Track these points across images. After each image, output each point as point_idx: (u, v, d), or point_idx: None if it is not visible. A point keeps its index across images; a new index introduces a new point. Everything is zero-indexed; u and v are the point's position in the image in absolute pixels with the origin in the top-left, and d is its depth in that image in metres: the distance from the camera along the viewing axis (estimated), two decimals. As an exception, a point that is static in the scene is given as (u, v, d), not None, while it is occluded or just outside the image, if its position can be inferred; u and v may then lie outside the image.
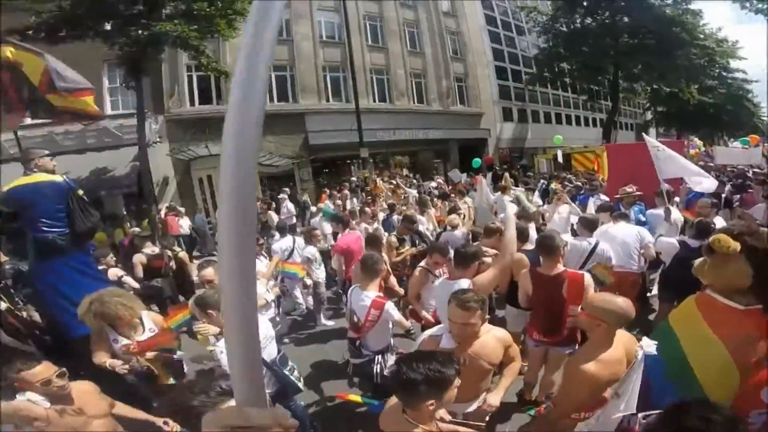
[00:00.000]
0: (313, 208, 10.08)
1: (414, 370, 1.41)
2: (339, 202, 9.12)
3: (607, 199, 6.20)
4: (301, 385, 2.73)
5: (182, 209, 9.89)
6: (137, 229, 6.94)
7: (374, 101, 17.17)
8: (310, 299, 5.40)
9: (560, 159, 13.20)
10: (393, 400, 1.65)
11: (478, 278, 2.71)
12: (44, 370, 2.00)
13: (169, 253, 5.62)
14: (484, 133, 20.89)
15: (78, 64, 11.59)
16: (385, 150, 17.00)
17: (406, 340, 3.75)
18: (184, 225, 9.24)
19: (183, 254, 6.06)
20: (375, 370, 2.76)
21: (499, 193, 7.18)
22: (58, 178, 3.36)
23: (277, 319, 4.17)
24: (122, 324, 2.73)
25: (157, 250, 5.51)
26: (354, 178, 14.07)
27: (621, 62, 20.81)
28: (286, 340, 4.77)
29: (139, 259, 5.13)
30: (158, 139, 11.94)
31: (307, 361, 4.19)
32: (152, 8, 9.11)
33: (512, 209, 4.00)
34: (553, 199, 6.28)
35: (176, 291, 5.57)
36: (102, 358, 2.63)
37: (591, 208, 5.74)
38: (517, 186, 8.30)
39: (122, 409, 2.40)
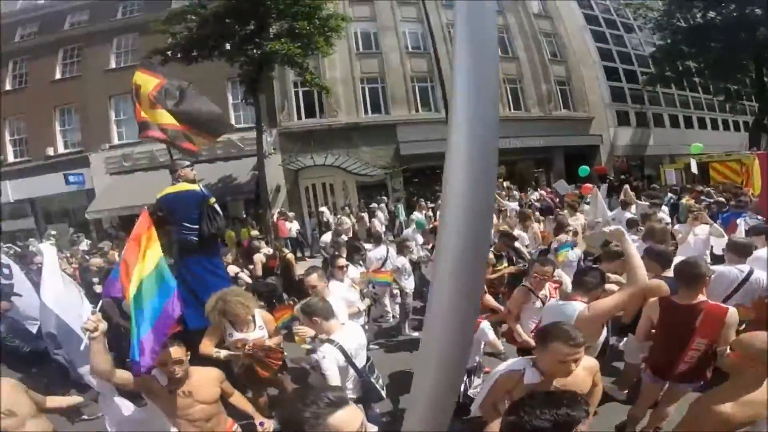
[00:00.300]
0: (405, 218, 10.25)
1: (539, 417, 1.26)
2: (429, 213, 9.10)
3: (761, 218, 5.19)
4: (384, 393, 2.74)
5: (292, 214, 10.99)
6: (256, 233, 7.85)
7: None
8: (397, 308, 5.44)
9: (694, 169, 11.09)
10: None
11: (598, 303, 2.39)
12: (176, 352, 2.30)
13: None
14: (594, 139, 18.82)
15: (207, 82, 13.79)
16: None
17: (494, 360, 3.53)
18: (293, 229, 10.26)
19: (290, 256, 6.66)
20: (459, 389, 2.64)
21: (619, 208, 6.37)
22: (196, 187, 3.94)
23: (366, 326, 4.24)
24: (239, 321, 3.05)
25: (270, 251, 6.18)
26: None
27: (763, 56, 17.13)
28: (372, 346, 4.84)
29: (259, 258, 5.77)
30: (272, 151, 13.45)
31: (388, 369, 4.14)
32: (261, 28, 9.99)
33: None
34: (687, 217, 5.35)
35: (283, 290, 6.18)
36: (209, 349, 2.97)
37: (741, 230, 4.75)
38: (639, 200, 7.23)
39: (237, 399, 2.64)
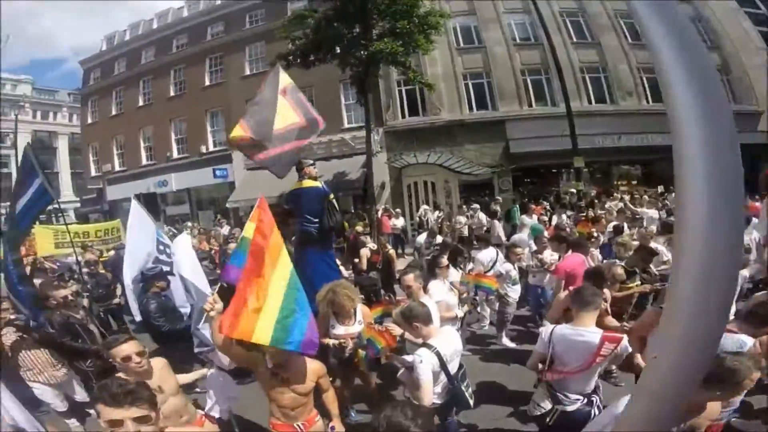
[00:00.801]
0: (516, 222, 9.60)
1: None
2: (544, 217, 8.33)
3: None
4: (471, 402, 2.65)
5: (398, 210, 11.28)
6: (360, 228, 8.27)
7: (589, 103, 14.99)
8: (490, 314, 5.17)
9: None
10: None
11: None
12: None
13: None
14: (762, 137, 15.04)
15: (323, 85, 14.81)
16: (606, 158, 14.60)
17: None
18: (398, 224, 10.54)
19: (392, 252, 6.81)
20: (592, 413, 2.40)
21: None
22: (318, 184, 4.32)
23: (459, 332, 4.13)
24: (342, 313, 3.21)
25: (374, 246, 6.43)
26: (564, 190, 12.66)
27: None
28: (463, 352, 4.65)
29: (365, 253, 6.05)
30: (379, 149, 14.00)
31: (475, 378, 3.91)
32: (366, 29, 10.26)
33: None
34: None
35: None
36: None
37: None
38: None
39: (329, 397, 2.68)
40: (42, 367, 3.57)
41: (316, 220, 4.07)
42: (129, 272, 4.47)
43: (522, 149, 14.01)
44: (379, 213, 10.73)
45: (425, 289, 3.67)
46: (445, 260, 4.08)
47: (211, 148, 18.48)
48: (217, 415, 2.84)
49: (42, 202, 4.03)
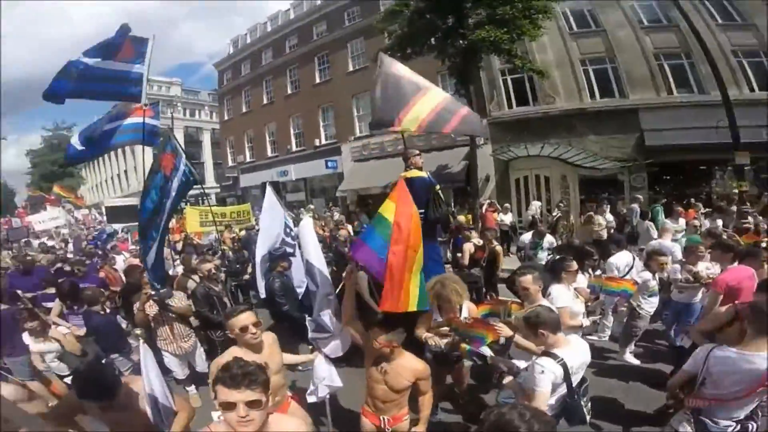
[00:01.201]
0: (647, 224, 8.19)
1: None
2: (696, 221, 6.87)
3: None
4: (588, 417, 2.38)
5: (507, 205, 10.64)
6: (462, 219, 7.97)
7: (750, 90, 12.02)
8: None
9: None
10: None
11: None
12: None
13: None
14: None
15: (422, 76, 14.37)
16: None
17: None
18: (506, 220, 9.96)
19: (499, 248, 6.39)
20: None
21: None
22: (424, 174, 4.24)
23: None
24: (448, 307, 3.07)
25: (480, 241, 6.12)
26: (721, 191, 10.35)
27: None
28: None
29: (468, 248, 5.81)
30: (484, 141, 13.35)
31: (591, 392, 3.50)
32: (461, 19, 9.80)
33: None
34: None
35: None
36: (421, 332, 3.06)
37: None
38: None
39: (425, 401, 2.58)
40: (173, 338, 4.11)
41: (422, 211, 3.98)
42: (260, 251, 5.05)
43: (660, 141, 11.83)
44: (484, 207, 10.23)
45: (544, 293, 3.36)
46: (574, 264, 3.71)
47: (323, 141, 19.86)
48: (313, 399, 2.97)
49: (189, 185, 4.75)
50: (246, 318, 2.36)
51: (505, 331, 2.74)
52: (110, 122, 5.84)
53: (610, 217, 8.99)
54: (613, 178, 12.79)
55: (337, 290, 3.22)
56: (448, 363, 3.27)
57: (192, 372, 4.34)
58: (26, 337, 3.69)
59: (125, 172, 37.99)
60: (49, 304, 4.92)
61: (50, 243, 11.93)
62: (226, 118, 26.35)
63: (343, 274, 2.67)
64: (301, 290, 4.71)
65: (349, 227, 8.92)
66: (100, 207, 25.36)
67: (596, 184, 12.85)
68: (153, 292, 3.92)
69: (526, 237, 6.75)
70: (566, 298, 3.45)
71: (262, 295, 5.11)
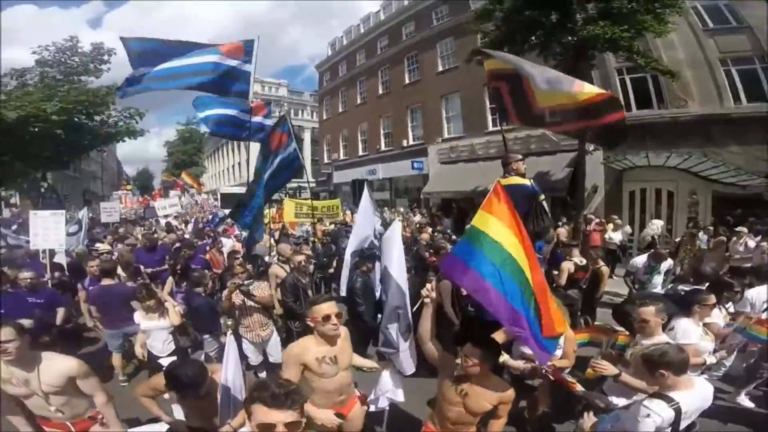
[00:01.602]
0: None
1: None
2: None
3: None
4: None
5: (619, 221, 9.37)
6: (563, 231, 7.14)
7: None
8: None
9: None
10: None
11: None
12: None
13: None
14: None
15: None
16: None
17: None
18: (615, 238, 8.76)
19: (605, 269, 5.63)
20: None
21: None
22: (527, 182, 3.79)
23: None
24: None
25: (583, 261, 5.39)
26: None
27: None
28: None
29: (567, 266, 5.17)
30: (594, 147, 11.90)
31: None
32: (567, 14, 8.94)
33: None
34: None
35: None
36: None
37: None
38: None
39: (497, 426, 2.30)
40: (253, 326, 4.26)
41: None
42: (350, 248, 5.11)
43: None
44: (591, 225, 8.99)
45: (665, 327, 2.99)
46: (712, 298, 3.25)
47: (411, 142, 19.87)
48: (373, 408, 2.93)
49: (293, 167, 5.00)
50: (329, 307, 2.34)
51: (610, 370, 2.49)
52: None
53: (750, 242, 7.25)
54: (757, 198, 10.31)
55: (415, 307, 2.98)
56: (526, 388, 3.07)
57: (265, 360, 4.52)
58: (137, 315, 3.91)
59: (239, 163, 42.91)
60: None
61: (174, 223, 13.86)
62: (324, 117, 28.03)
63: (423, 291, 2.39)
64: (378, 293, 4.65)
65: (430, 230, 8.65)
66: (217, 193, 28.91)
67: (738, 204, 10.49)
68: (241, 282, 4.10)
69: (640, 260, 5.79)
70: (694, 335, 3.07)
71: (342, 292, 5.18)
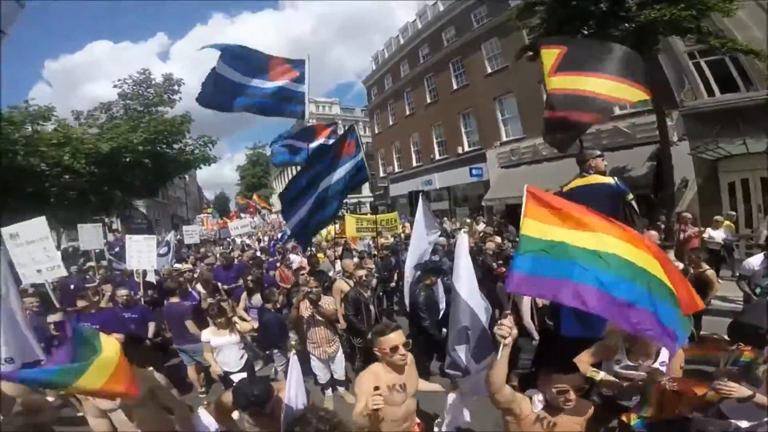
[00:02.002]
0: None
1: None
2: None
3: None
4: None
5: (718, 218, 8.17)
6: (654, 233, 6.34)
7: None
8: None
9: None
10: None
11: None
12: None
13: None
14: None
15: None
16: None
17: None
18: (717, 237, 7.63)
19: (710, 273, 4.89)
20: None
21: None
22: (610, 180, 3.37)
23: None
24: (642, 350, 2.48)
25: (680, 265, 4.70)
26: None
27: None
28: None
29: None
30: (679, 137, 10.62)
31: None
32: (617, 1, 8.33)
33: None
34: None
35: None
36: (585, 366, 2.47)
37: None
38: None
39: None
40: (320, 342, 4.23)
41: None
42: (409, 261, 4.99)
43: None
44: (690, 231, 7.70)
45: None
46: None
47: (467, 149, 19.35)
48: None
49: (359, 176, 5.02)
50: (397, 337, 2.25)
51: (740, 391, 2.07)
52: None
53: None
54: None
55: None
56: (619, 409, 2.64)
57: (330, 377, 4.50)
58: (206, 332, 3.98)
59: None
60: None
61: (248, 242, 14.84)
62: (376, 131, 28.45)
63: (502, 330, 1.90)
64: (443, 308, 4.53)
65: (498, 239, 8.18)
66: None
67: None
68: (310, 289, 4.09)
69: (755, 260, 4.95)
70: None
71: (408, 307, 5.03)
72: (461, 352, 2.76)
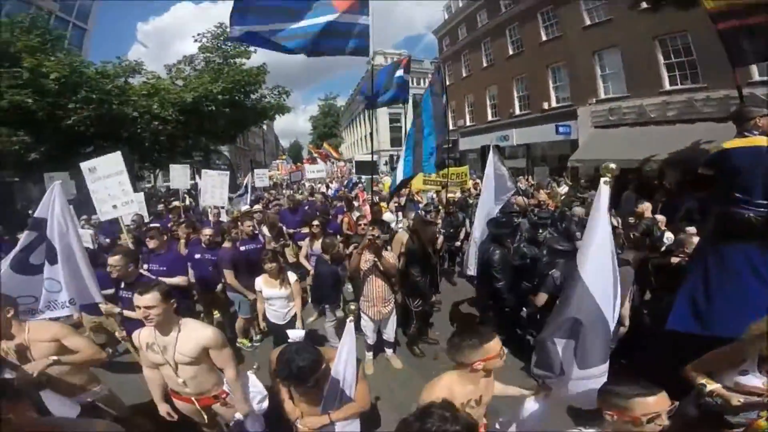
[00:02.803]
0: None
1: None
2: None
3: None
4: None
5: None
6: None
7: None
8: None
9: None
10: None
11: None
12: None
13: None
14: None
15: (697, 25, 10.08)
16: None
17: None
18: None
19: None
20: None
21: None
22: (781, 143, 2.51)
23: None
24: None
25: None
26: None
27: None
28: None
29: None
30: None
31: None
32: None
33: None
34: None
35: None
36: (691, 374, 2.01)
37: None
38: None
39: None
40: (376, 300, 3.86)
41: (765, 202, 2.39)
42: (478, 219, 4.52)
43: None
44: None
45: None
46: None
47: (554, 104, 17.51)
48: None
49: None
50: (498, 341, 1.88)
51: None
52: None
53: None
54: None
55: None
56: (726, 425, 2.07)
57: (378, 337, 4.20)
58: (258, 281, 3.83)
59: (370, 134, 45.09)
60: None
61: (317, 186, 15.31)
62: (447, 83, 26.62)
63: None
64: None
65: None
66: (352, 161, 31.00)
67: None
68: (376, 235, 3.65)
69: None
70: None
71: (470, 271, 4.63)
72: (560, 347, 2.14)
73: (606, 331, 2.14)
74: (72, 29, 21.76)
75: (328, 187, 16.44)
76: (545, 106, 17.64)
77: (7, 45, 12.30)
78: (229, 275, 4.43)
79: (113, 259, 3.19)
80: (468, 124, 24.15)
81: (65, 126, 13.16)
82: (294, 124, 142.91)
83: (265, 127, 45.73)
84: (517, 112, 19.69)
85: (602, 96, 15.08)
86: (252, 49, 18.47)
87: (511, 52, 19.79)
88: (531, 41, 18.25)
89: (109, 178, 4.16)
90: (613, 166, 2.16)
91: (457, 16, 24.24)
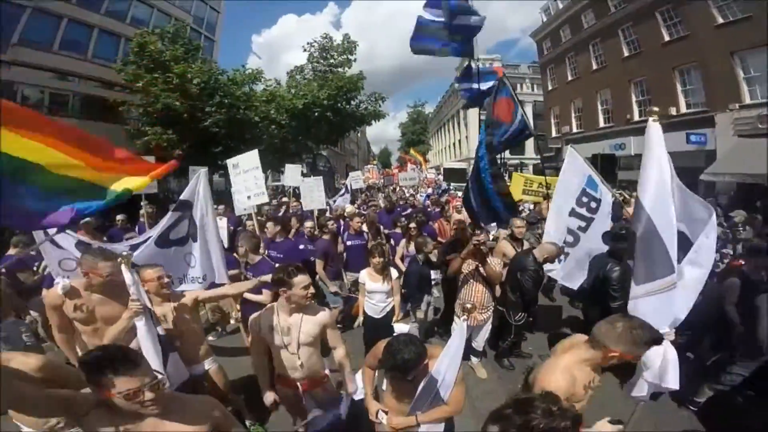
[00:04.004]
0: None
1: None
2: None
3: None
4: None
5: None
6: None
7: None
8: None
9: None
10: None
11: None
12: None
13: None
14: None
15: None
16: None
17: None
18: None
19: None
20: None
21: None
22: None
23: None
24: None
25: None
26: None
27: None
28: None
29: None
30: None
31: None
32: None
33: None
34: None
35: None
36: None
37: None
38: None
39: None
40: (473, 307, 3.65)
41: None
42: (552, 223, 4.20)
43: None
44: None
45: None
46: None
47: (683, 110, 15.25)
48: None
49: (522, 136, 4.37)
50: None
51: None
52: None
53: None
54: None
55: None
56: None
57: (468, 345, 3.96)
58: (363, 273, 3.91)
59: (459, 141, 44.33)
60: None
61: (408, 192, 15.58)
62: (549, 88, 24.98)
63: None
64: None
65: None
66: (440, 168, 30.83)
67: None
68: (482, 240, 3.49)
69: None
70: None
71: (573, 285, 4.22)
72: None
73: (662, 250, 2.50)
74: (204, 41, 24.54)
75: (417, 192, 16.64)
76: (673, 111, 15.41)
77: (159, 54, 14.28)
78: (319, 265, 4.77)
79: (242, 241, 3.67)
80: (575, 130, 22.28)
81: (202, 127, 15.22)
82: (384, 131, 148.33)
83: (359, 133, 48.28)
84: (636, 117, 17.54)
85: (747, 101, 12.72)
86: (353, 57, 19.90)
87: (626, 54, 17.90)
88: (651, 42, 16.30)
89: (247, 173, 4.86)
90: (656, 108, 2.69)
91: (557, 18, 22.67)
